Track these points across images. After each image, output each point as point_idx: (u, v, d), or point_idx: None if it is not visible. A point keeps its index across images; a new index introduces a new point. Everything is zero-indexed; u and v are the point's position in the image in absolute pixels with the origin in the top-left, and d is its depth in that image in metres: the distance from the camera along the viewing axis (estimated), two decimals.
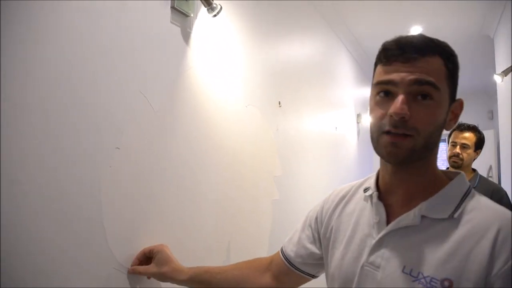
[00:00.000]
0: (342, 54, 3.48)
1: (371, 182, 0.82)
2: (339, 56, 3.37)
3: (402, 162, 0.71)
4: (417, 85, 0.68)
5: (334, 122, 3.10)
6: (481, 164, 4.11)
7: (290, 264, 0.94)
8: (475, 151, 2.25)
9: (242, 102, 1.62)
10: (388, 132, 0.69)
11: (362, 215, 0.81)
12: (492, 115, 5.61)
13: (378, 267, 0.72)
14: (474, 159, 2.28)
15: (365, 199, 0.82)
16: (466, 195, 0.71)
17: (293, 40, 2.27)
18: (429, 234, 0.69)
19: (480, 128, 2.34)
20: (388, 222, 0.75)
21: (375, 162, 5.27)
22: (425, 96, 0.68)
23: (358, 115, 3.98)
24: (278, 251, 1.00)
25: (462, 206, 0.69)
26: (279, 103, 1.99)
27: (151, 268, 1.02)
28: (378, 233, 0.75)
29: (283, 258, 0.96)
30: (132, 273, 1.02)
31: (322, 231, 0.89)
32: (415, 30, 3.23)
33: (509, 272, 0.60)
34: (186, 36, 1.24)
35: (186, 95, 1.24)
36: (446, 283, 0.64)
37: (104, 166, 0.93)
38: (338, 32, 3.23)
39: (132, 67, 1.02)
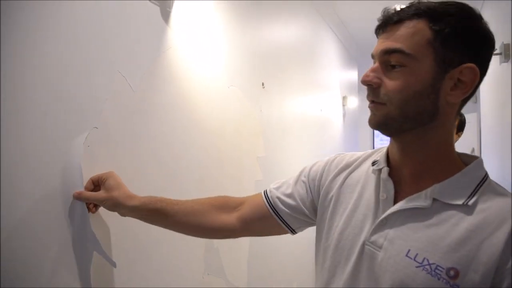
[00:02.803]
0: (328, 36, 3.47)
1: (381, 156, 0.77)
2: (325, 38, 3.36)
3: (380, 128, 0.71)
4: (387, 55, 0.67)
5: (319, 104, 3.11)
6: (464, 146, 4.18)
7: (273, 211, 0.88)
8: (456, 133, 2.29)
9: (224, 83, 1.62)
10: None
11: (366, 189, 0.77)
12: (476, 98, 5.66)
13: (380, 247, 0.69)
14: (456, 141, 2.32)
15: (373, 172, 0.76)
16: (482, 182, 0.67)
17: (277, 21, 2.26)
18: (439, 219, 0.65)
19: (464, 111, 2.38)
20: (395, 200, 0.71)
21: (361, 144, 5.34)
22: (394, 65, 0.67)
23: (344, 98, 4.00)
24: (256, 195, 0.95)
25: (477, 194, 0.65)
26: (263, 85, 1.99)
27: (100, 193, 0.91)
28: (384, 211, 0.71)
29: (267, 203, 0.90)
30: (78, 198, 0.90)
31: (320, 197, 0.84)
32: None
33: None
34: (165, 15, 1.23)
35: (166, 75, 1.24)
36: (452, 272, 0.61)
37: (83, 145, 0.93)
38: (324, 14, 3.22)
39: (110, 47, 1.01)
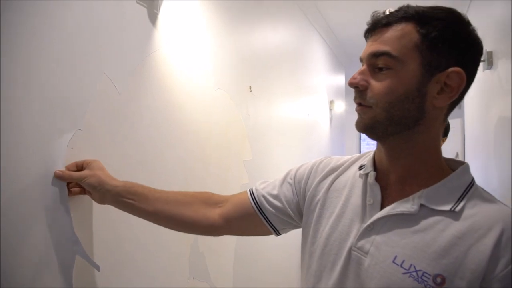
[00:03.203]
0: (316, 41, 3.49)
1: (368, 160, 0.77)
2: (313, 43, 3.38)
3: (367, 131, 0.71)
4: (375, 58, 0.68)
5: (306, 108, 3.13)
6: (449, 151, 4.24)
7: (258, 209, 0.87)
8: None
9: (211, 86, 1.61)
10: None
11: (353, 193, 0.76)
12: (460, 105, 5.74)
13: (366, 253, 0.68)
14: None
15: (360, 176, 0.76)
16: (469, 188, 0.67)
17: (265, 25, 2.26)
18: (426, 224, 0.65)
19: (449, 117, 2.41)
20: (382, 205, 0.71)
21: (347, 148, 5.37)
22: (381, 68, 0.67)
23: (331, 102, 4.03)
24: (241, 192, 0.94)
25: (464, 200, 0.65)
26: (250, 88, 1.99)
27: (83, 171, 0.90)
28: (371, 216, 0.70)
29: (252, 201, 0.88)
30: (60, 177, 0.87)
31: (306, 200, 0.83)
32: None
33: (509, 276, 0.58)
34: (152, 17, 1.22)
35: (152, 77, 1.23)
36: (439, 279, 0.61)
37: (66, 147, 0.92)
38: (312, 18, 3.24)
39: (96, 47, 1.00)
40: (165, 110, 1.30)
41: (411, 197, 0.67)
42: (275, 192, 0.88)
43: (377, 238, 0.68)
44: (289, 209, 0.86)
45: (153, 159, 1.24)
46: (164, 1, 1.25)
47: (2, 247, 0.76)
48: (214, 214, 0.91)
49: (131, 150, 1.14)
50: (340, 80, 4.67)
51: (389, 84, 0.66)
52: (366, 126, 0.70)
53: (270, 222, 0.87)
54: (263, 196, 0.88)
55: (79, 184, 0.91)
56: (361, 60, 0.71)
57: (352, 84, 0.70)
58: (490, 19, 2.38)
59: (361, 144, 7.03)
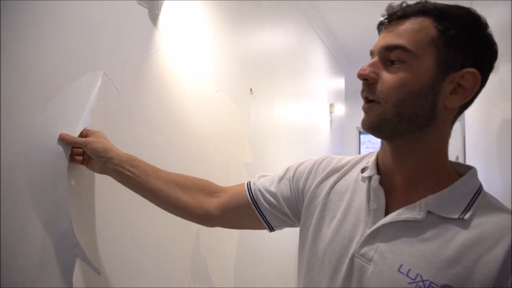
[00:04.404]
0: (316, 44, 3.49)
1: (370, 162, 0.74)
2: (313, 45, 3.38)
3: (373, 129, 0.67)
4: (388, 51, 0.64)
5: (306, 111, 3.12)
6: (449, 154, 4.24)
7: (253, 203, 0.85)
8: None
9: (212, 88, 1.60)
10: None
11: (356, 197, 0.73)
12: None
13: (370, 260, 0.65)
14: None
15: (362, 180, 0.73)
16: (477, 194, 0.64)
17: (265, 27, 2.26)
18: (434, 232, 0.62)
19: None
20: (386, 211, 0.67)
21: (347, 151, 5.36)
22: (393, 61, 0.64)
23: (331, 105, 4.02)
24: (238, 184, 0.92)
25: (473, 207, 0.62)
26: (251, 90, 1.98)
27: (89, 138, 0.88)
28: (374, 222, 0.67)
29: (248, 194, 0.87)
30: (64, 140, 0.85)
31: (305, 202, 0.80)
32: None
33: None
34: (153, 17, 1.21)
35: (153, 78, 1.22)
36: None
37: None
38: (312, 21, 3.24)
39: (97, 48, 0.99)
40: (166, 111, 1.29)
41: (417, 203, 0.64)
42: (272, 188, 0.86)
43: (382, 245, 0.65)
44: (285, 208, 0.84)
45: (153, 161, 1.22)
46: (165, 2, 1.25)
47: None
48: (210, 203, 0.89)
49: (132, 151, 1.12)
50: (340, 83, 4.66)
51: (401, 77, 0.63)
52: (372, 124, 0.66)
53: (265, 218, 0.85)
54: (260, 191, 0.86)
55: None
56: (371, 53, 0.68)
57: (361, 75, 0.66)
58: (491, 20, 2.37)
59: (361, 147, 7.04)
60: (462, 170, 0.68)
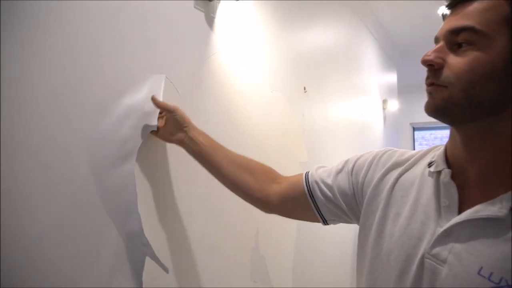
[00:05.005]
0: (367, 39, 3.40)
1: (438, 156, 0.68)
2: (364, 41, 3.30)
3: (438, 113, 0.62)
4: (454, 35, 0.60)
5: (360, 108, 3.05)
6: None
7: (309, 194, 0.84)
8: None
9: (267, 88, 1.61)
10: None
11: (423, 193, 0.68)
12: None
13: (443, 261, 0.60)
14: None
15: (430, 175, 0.68)
16: None
17: (316, 24, 2.23)
18: None
19: None
20: (460, 208, 0.62)
21: (401, 148, 5.19)
22: (461, 44, 0.59)
23: (384, 101, 3.91)
24: (298, 175, 0.91)
25: None
26: (304, 89, 1.97)
27: (177, 105, 0.98)
28: (447, 220, 0.61)
29: (305, 184, 0.86)
30: (156, 102, 0.95)
31: (367, 198, 0.76)
32: (443, 11, 3.12)
33: None
34: (209, 21, 1.23)
35: (210, 80, 1.24)
36: None
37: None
38: (362, 16, 3.16)
39: (157, 53, 1.02)
40: (222, 112, 1.30)
41: (498, 198, 0.57)
42: (329, 181, 0.84)
43: (457, 246, 0.59)
44: (341, 201, 0.81)
45: None
46: (220, 5, 1.26)
47: (73, 249, 0.79)
48: (271, 189, 0.91)
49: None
50: (392, 78, 4.52)
51: (471, 59, 0.58)
52: (437, 107, 0.61)
53: (320, 210, 0.85)
54: (316, 183, 0.85)
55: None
56: (436, 39, 0.64)
57: (425, 61, 0.62)
58: None
59: (415, 144, 6.77)
60: None
